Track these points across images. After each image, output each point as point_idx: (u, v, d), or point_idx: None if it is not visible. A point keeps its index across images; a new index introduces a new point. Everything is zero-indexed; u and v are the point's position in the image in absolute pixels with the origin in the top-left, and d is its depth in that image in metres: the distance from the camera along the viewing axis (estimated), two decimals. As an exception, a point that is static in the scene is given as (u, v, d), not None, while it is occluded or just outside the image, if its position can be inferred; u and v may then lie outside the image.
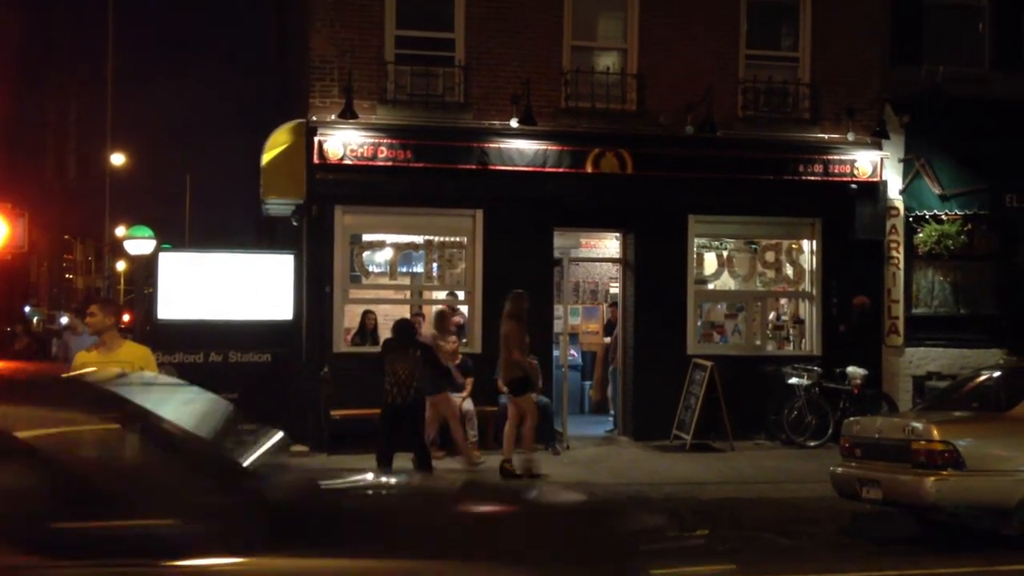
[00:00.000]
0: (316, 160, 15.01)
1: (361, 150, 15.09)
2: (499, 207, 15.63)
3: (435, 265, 16.24)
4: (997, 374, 11.00)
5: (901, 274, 16.98)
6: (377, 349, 15.58)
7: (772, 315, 17.46)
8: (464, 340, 15.60)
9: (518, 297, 12.89)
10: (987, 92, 16.92)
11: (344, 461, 13.57)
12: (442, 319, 14.29)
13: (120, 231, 41.65)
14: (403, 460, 11.62)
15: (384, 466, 11.05)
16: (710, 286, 17.05)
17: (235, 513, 4.12)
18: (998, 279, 17.42)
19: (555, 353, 16.25)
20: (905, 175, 17.06)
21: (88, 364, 8.17)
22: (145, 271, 19.55)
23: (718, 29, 16.49)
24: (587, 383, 19.18)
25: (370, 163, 15.13)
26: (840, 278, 16.70)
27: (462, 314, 16.17)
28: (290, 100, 19.18)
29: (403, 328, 12.02)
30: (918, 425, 9.47)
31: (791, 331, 17.24)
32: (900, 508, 10.00)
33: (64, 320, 32.71)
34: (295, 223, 16.67)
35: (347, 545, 4.14)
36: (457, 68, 15.68)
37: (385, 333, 16.19)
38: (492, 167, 15.43)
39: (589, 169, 15.74)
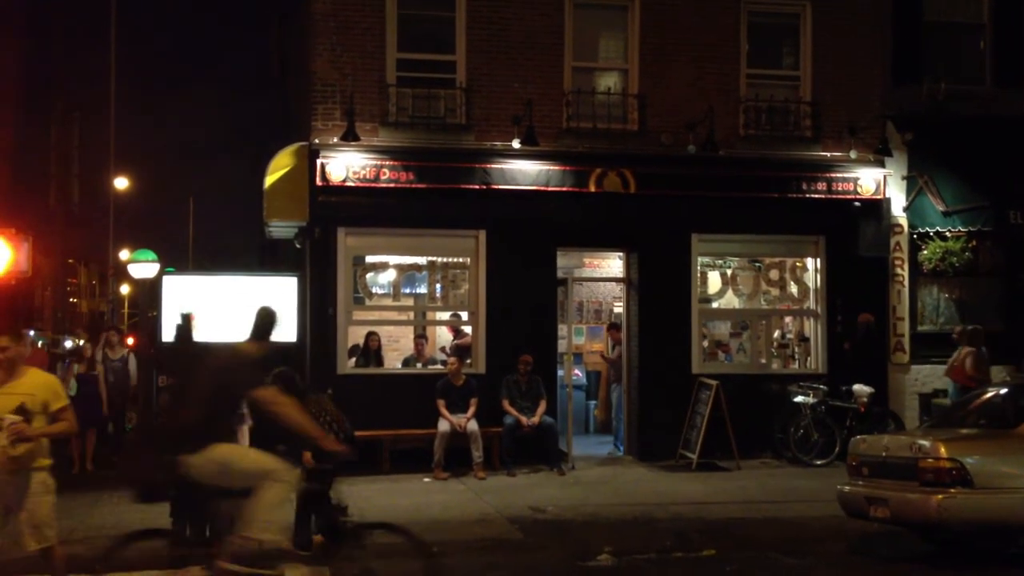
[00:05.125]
0: (319, 182, 15.02)
1: (363, 172, 15.10)
2: (502, 227, 15.63)
3: (438, 286, 16.21)
4: (1004, 391, 10.96)
5: (906, 291, 16.94)
6: (381, 371, 15.69)
7: (777, 333, 17.42)
8: (468, 361, 15.56)
9: (979, 331, 15.07)
10: (989, 109, 16.95)
11: (347, 483, 13.50)
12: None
13: (124, 255, 41.66)
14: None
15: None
16: (714, 305, 17.02)
17: None
18: (1003, 295, 17.38)
19: (559, 373, 16.21)
20: (908, 192, 17.05)
21: None
22: (149, 295, 19.55)
23: (719, 48, 16.52)
24: (592, 403, 19.13)
25: (372, 185, 15.13)
26: (844, 296, 16.65)
27: (468, 335, 16.15)
28: (292, 123, 19.23)
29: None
30: (925, 443, 9.42)
31: (796, 349, 17.20)
32: (908, 527, 9.94)
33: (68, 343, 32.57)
34: (298, 245, 16.69)
35: None
36: (458, 90, 15.71)
37: (390, 354, 16.24)
38: (494, 188, 15.44)
39: (592, 189, 15.74)
